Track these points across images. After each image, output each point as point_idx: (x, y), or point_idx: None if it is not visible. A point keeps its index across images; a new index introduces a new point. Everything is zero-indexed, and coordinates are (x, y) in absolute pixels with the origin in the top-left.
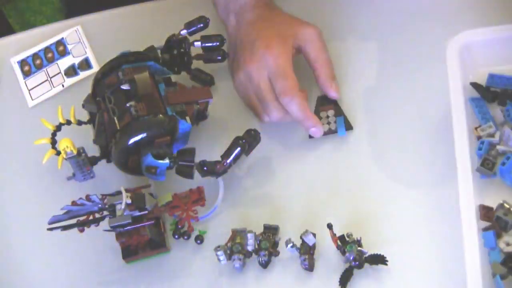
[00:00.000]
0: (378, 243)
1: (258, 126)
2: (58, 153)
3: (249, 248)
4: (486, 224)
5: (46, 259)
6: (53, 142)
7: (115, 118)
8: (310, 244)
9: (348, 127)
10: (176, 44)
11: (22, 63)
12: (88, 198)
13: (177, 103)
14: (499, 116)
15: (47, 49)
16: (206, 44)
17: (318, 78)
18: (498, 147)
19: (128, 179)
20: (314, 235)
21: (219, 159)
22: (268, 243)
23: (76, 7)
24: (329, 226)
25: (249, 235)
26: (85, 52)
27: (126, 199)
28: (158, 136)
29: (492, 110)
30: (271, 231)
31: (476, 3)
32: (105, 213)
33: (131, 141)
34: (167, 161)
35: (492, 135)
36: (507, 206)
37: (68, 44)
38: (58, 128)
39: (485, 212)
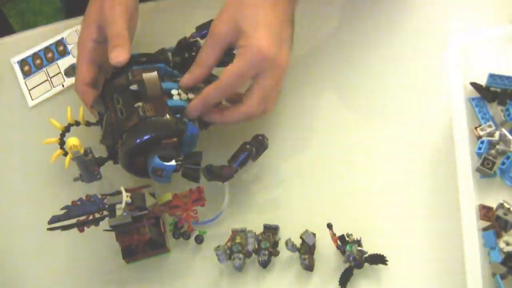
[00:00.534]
0: (378, 243)
1: (267, 132)
2: (66, 153)
3: (249, 248)
4: (486, 224)
5: (46, 260)
6: (62, 143)
7: (123, 118)
8: (310, 244)
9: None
10: (187, 47)
11: (22, 63)
12: (88, 198)
13: None
14: (499, 116)
15: (47, 49)
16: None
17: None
18: (498, 146)
19: (131, 180)
20: (314, 235)
21: (226, 164)
22: (268, 243)
23: (76, 7)
24: (329, 226)
25: (249, 235)
26: None
27: (126, 198)
28: (165, 138)
29: (492, 110)
30: (271, 231)
31: (476, 3)
32: (105, 213)
33: (138, 141)
34: (173, 163)
35: (492, 135)
36: (507, 206)
37: (68, 44)
38: (67, 129)
39: (485, 212)
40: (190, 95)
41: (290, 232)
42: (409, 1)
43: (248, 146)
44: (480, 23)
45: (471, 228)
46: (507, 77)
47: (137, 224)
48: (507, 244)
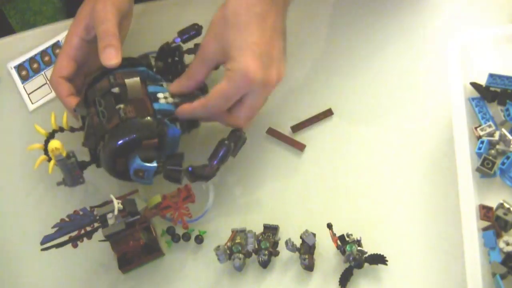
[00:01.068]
0: (378, 243)
1: (249, 133)
2: (50, 159)
3: (249, 248)
4: (486, 224)
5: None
6: (46, 149)
7: (104, 120)
8: (310, 244)
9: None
10: (169, 52)
11: (19, 68)
12: (77, 212)
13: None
14: (499, 116)
15: (43, 53)
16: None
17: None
18: (498, 146)
19: (118, 186)
20: (314, 235)
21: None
22: (268, 243)
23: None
24: (329, 226)
25: (249, 235)
26: None
27: (117, 205)
28: (145, 138)
29: (492, 110)
30: (271, 231)
31: (476, 3)
32: (96, 225)
33: (119, 142)
34: (154, 164)
35: (492, 135)
36: (507, 206)
37: None
38: (51, 135)
39: (485, 212)
40: (177, 99)
41: (290, 232)
42: (409, 1)
43: (226, 142)
44: (480, 23)
45: (471, 228)
46: (507, 77)
47: (130, 230)
48: (507, 244)
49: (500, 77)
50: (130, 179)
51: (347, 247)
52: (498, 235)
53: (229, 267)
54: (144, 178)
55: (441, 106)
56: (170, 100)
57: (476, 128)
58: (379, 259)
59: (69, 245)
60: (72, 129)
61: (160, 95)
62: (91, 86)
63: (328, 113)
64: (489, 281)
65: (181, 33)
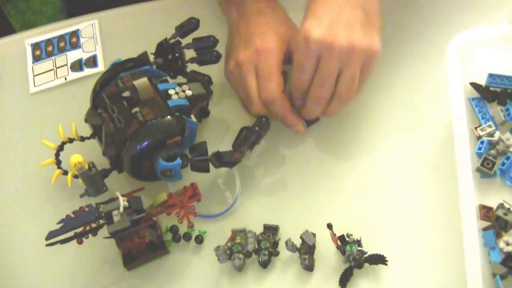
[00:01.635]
0: (378, 243)
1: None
2: (65, 172)
3: (249, 248)
4: (486, 224)
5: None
6: (58, 162)
7: (122, 127)
8: (310, 244)
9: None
10: (168, 49)
11: (35, 46)
12: (82, 208)
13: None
14: (499, 116)
15: (61, 38)
16: (198, 46)
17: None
18: (498, 146)
19: (123, 184)
20: (314, 235)
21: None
22: (268, 243)
23: (77, 7)
24: (329, 226)
25: (249, 235)
26: (95, 49)
27: (123, 202)
28: (168, 138)
29: (492, 109)
30: (271, 231)
31: (476, 3)
32: (102, 221)
33: (143, 146)
34: (179, 161)
35: (491, 135)
36: (507, 206)
37: (81, 37)
38: (61, 147)
39: (485, 212)
40: (188, 92)
41: (290, 232)
42: (409, 1)
43: (257, 128)
44: (480, 23)
45: (471, 228)
46: (507, 77)
47: (135, 227)
48: (507, 244)
49: (500, 77)
50: (157, 179)
51: (347, 247)
52: (498, 235)
53: (229, 267)
54: (172, 176)
55: (441, 106)
56: (182, 94)
57: (476, 128)
58: (379, 259)
59: (74, 241)
60: (82, 139)
61: (171, 91)
62: (98, 93)
63: None
64: (489, 281)
65: (178, 28)
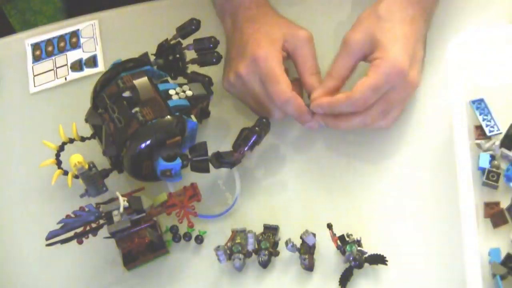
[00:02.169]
0: (378, 243)
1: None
2: (66, 172)
3: (249, 248)
4: (486, 224)
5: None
6: (59, 163)
7: (122, 126)
8: (310, 244)
9: None
10: (169, 50)
11: (35, 46)
12: (82, 208)
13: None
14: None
15: (61, 38)
16: (199, 47)
17: (304, 86)
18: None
19: (123, 184)
20: (314, 235)
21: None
22: (268, 243)
23: (77, 7)
24: (329, 226)
25: (249, 235)
26: (95, 49)
27: (123, 203)
28: (168, 138)
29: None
30: (271, 231)
31: (476, 3)
32: (102, 221)
33: (143, 146)
34: (179, 161)
35: (492, 148)
36: None
37: (82, 37)
38: (61, 148)
39: (489, 209)
40: (189, 92)
41: (290, 232)
42: None
43: (257, 129)
44: (480, 23)
45: (471, 228)
46: None
47: (136, 227)
48: None
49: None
50: (157, 179)
51: (347, 247)
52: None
53: (229, 267)
54: (172, 176)
55: (441, 106)
56: (183, 95)
57: (476, 127)
58: (379, 259)
59: (74, 241)
60: (82, 139)
61: (171, 91)
62: (98, 93)
63: None
64: (489, 282)
65: (179, 29)
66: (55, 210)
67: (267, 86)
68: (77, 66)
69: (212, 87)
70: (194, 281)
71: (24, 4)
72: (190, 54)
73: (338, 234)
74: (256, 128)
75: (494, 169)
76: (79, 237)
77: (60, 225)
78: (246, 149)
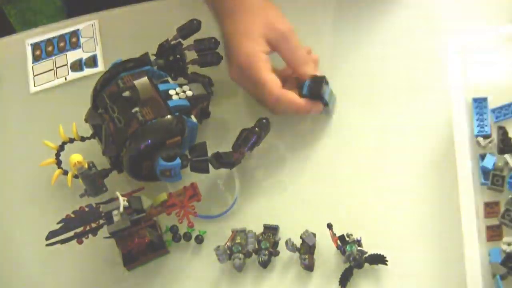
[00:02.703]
0: (378, 243)
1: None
2: (65, 172)
3: (249, 248)
4: (488, 223)
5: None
6: (59, 162)
7: (122, 126)
8: (310, 244)
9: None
10: (169, 50)
11: (35, 46)
12: (82, 208)
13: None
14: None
15: (61, 37)
16: (200, 47)
17: (300, 78)
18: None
19: (123, 184)
20: (314, 235)
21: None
22: (268, 243)
23: (77, 7)
24: (329, 226)
25: (249, 235)
26: (95, 49)
27: (123, 202)
28: (168, 138)
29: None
30: (271, 231)
31: (476, 3)
32: (101, 221)
33: (142, 146)
34: (178, 161)
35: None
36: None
37: (81, 37)
38: (61, 147)
39: (490, 209)
40: (189, 93)
41: (290, 232)
42: (410, 1)
43: (257, 129)
44: (480, 23)
45: (471, 228)
46: None
47: (136, 227)
48: (509, 244)
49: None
50: (156, 179)
51: (347, 247)
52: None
53: (229, 267)
54: (172, 176)
55: (441, 106)
56: (183, 95)
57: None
58: (379, 259)
59: (74, 241)
60: (82, 139)
61: (172, 91)
62: (98, 93)
63: None
64: (489, 282)
65: (180, 30)
66: (55, 210)
67: (257, 89)
68: (77, 66)
69: (212, 87)
70: (194, 281)
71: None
72: (191, 55)
73: (338, 234)
74: (256, 129)
75: (498, 173)
76: (79, 237)
77: (60, 225)
78: (246, 149)
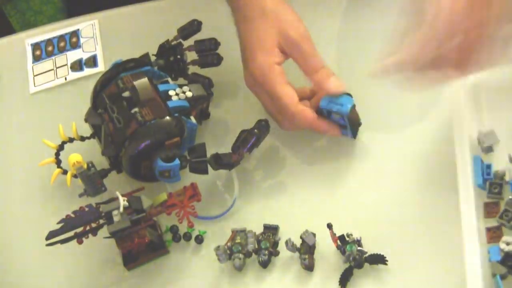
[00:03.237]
0: (378, 243)
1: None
2: (65, 172)
3: (249, 248)
4: (488, 223)
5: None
6: (58, 162)
7: (121, 127)
8: (310, 244)
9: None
10: (170, 51)
11: (35, 46)
12: (82, 208)
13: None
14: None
15: (61, 38)
16: (200, 48)
17: (313, 85)
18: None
19: (123, 184)
20: (314, 235)
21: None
22: (268, 243)
23: (77, 7)
24: (329, 226)
25: (249, 235)
26: (95, 49)
27: (123, 202)
28: (167, 139)
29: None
30: (271, 231)
31: None
32: (102, 221)
33: (141, 146)
34: (177, 161)
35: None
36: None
37: (82, 37)
38: (61, 147)
39: (490, 209)
40: (188, 93)
41: (290, 232)
42: (409, 1)
43: (256, 131)
44: None
45: (471, 228)
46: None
47: (136, 227)
48: (507, 244)
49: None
50: (156, 179)
51: (347, 247)
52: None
53: (229, 267)
54: (171, 177)
55: (441, 106)
56: (182, 96)
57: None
58: (379, 259)
59: (74, 241)
60: (82, 138)
61: (171, 92)
62: (98, 93)
63: None
64: (489, 281)
65: (180, 30)
66: (55, 209)
67: (272, 102)
68: (77, 66)
69: (212, 88)
70: (194, 281)
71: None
72: (191, 55)
73: (338, 234)
74: (255, 130)
75: (496, 181)
76: (79, 237)
77: (60, 225)
78: (245, 150)
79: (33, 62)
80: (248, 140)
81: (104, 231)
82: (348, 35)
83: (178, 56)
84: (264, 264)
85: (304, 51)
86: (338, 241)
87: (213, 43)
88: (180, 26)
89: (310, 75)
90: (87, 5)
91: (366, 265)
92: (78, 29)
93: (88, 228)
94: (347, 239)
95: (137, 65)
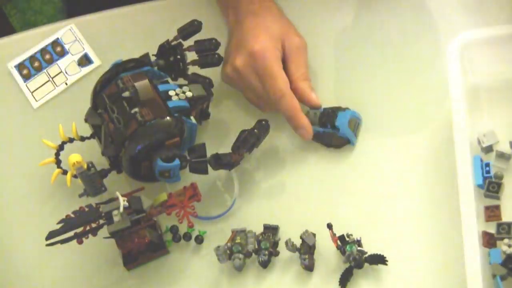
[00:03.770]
0: (378, 243)
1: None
2: (65, 172)
3: (249, 248)
4: (487, 224)
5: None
6: (58, 162)
7: (121, 127)
8: (310, 244)
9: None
10: (170, 51)
11: (20, 67)
12: (82, 208)
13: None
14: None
15: (43, 51)
16: (200, 48)
17: (295, 91)
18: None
19: (123, 184)
20: (314, 235)
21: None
22: (268, 243)
23: (77, 7)
24: (329, 226)
25: (249, 235)
26: (83, 48)
27: (123, 202)
28: (167, 139)
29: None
30: (271, 231)
31: (476, 3)
32: (102, 221)
33: (141, 147)
34: (177, 161)
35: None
36: None
37: (64, 44)
38: (61, 147)
39: (490, 212)
40: (188, 94)
41: (290, 232)
42: (410, 1)
43: (256, 131)
44: (480, 23)
45: (471, 228)
46: None
47: (136, 227)
48: (509, 246)
49: None
50: (156, 179)
51: (347, 247)
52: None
53: (229, 267)
54: (170, 177)
55: (441, 106)
56: (183, 96)
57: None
58: (379, 259)
59: (74, 241)
60: (82, 138)
61: (171, 92)
62: (98, 93)
63: None
64: (489, 282)
65: (180, 30)
66: (55, 209)
67: (264, 81)
68: (73, 69)
69: (212, 88)
70: (194, 281)
71: (24, 4)
72: (191, 56)
73: (338, 234)
74: (255, 131)
75: (495, 180)
76: (79, 237)
77: (60, 225)
78: (245, 151)
79: (24, 81)
80: (249, 140)
81: (104, 231)
82: (347, 36)
83: (178, 56)
84: (264, 264)
85: (301, 58)
86: (338, 241)
87: (213, 43)
88: (180, 26)
89: (297, 82)
90: (87, 5)
91: (366, 265)
92: (58, 38)
93: (88, 228)
94: (347, 239)
95: (137, 65)
